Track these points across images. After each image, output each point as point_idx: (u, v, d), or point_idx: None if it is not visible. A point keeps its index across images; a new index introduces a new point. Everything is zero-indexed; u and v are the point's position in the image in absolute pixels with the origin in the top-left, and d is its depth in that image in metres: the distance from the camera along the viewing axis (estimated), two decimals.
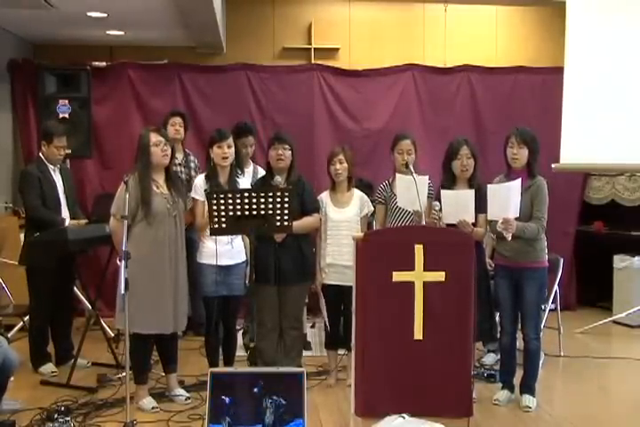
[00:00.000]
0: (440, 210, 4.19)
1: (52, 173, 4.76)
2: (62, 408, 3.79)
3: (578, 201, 6.99)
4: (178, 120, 5.57)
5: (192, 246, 4.41)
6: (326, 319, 4.57)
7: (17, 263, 4.84)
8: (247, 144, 5.16)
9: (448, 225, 4.25)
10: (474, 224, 4.18)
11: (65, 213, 4.76)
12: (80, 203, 5.37)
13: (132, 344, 3.78)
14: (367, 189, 5.05)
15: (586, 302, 6.96)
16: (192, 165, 5.64)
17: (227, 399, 3.25)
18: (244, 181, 4.40)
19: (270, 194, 3.62)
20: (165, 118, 5.55)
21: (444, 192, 4.22)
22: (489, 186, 4.10)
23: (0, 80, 6.32)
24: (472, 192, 4.14)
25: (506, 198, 3.96)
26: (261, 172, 5.15)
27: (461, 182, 4.40)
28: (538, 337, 4.18)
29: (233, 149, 4.27)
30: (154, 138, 4.06)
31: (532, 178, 4.17)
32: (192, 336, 5.48)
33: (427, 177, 4.32)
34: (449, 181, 4.41)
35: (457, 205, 4.12)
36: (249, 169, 5.13)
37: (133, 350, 3.83)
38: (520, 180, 4.00)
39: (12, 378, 3.86)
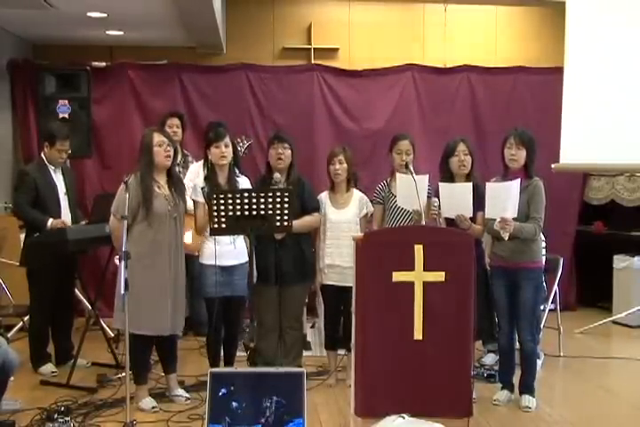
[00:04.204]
0: (439, 206, 4.20)
1: (53, 173, 4.76)
2: (62, 408, 3.78)
3: (578, 201, 7.00)
4: (175, 122, 5.57)
5: None
6: (322, 321, 4.57)
7: (17, 264, 4.84)
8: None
9: (447, 219, 4.26)
10: (472, 220, 4.19)
11: (66, 214, 4.75)
12: (80, 203, 5.37)
13: (132, 345, 3.78)
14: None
15: (586, 302, 6.96)
16: (190, 165, 5.63)
17: (227, 399, 3.26)
18: (244, 181, 4.39)
19: (270, 194, 3.62)
20: (163, 119, 5.55)
21: (442, 184, 4.24)
22: (488, 184, 4.11)
23: (0, 80, 6.32)
24: (470, 185, 4.14)
25: (504, 198, 3.95)
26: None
27: (459, 180, 4.47)
28: (533, 338, 4.17)
29: (230, 148, 4.26)
30: (157, 138, 4.05)
31: (529, 179, 4.17)
32: (192, 336, 5.48)
33: (427, 176, 4.31)
34: (446, 178, 4.44)
35: (455, 198, 4.13)
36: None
37: (133, 351, 3.83)
38: (519, 180, 4.00)
39: (12, 378, 3.85)
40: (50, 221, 4.59)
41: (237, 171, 4.39)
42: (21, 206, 4.69)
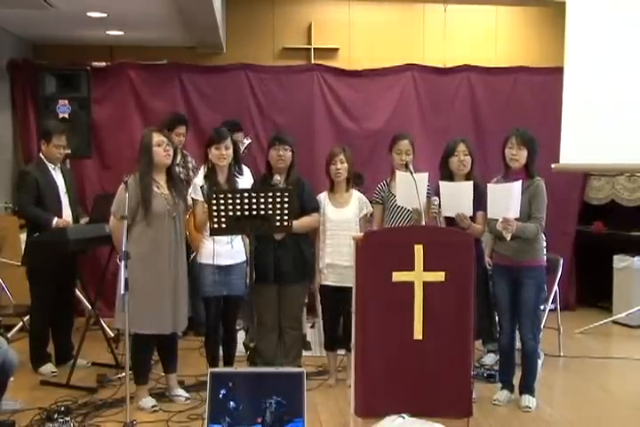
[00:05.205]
0: (439, 205, 4.20)
1: (53, 172, 4.76)
2: (62, 408, 3.78)
3: (578, 201, 7.00)
4: (182, 130, 5.56)
5: (191, 248, 4.42)
6: (322, 321, 4.57)
7: (19, 264, 4.85)
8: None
9: (446, 218, 4.27)
10: (472, 219, 4.20)
11: (67, 212, 4.75)
12: (80, 202, 5.37)
13: (132, 345, 3.78)
14: (357, 178, 5.03)
15: (586, 302, 6.96)
16: (190, 165, 5.64)
17: (226, 400, 3.26)
18: (243, 181, 4.39)
19: (270, 194, 3.63)
20: (170, 124, 5.45)
21: (442, 183, 4.25)
22: (489, 185, 4.12)
23: (0, 80, 6.31)
24: (470, 184, 4.16)
25: (506, 198, 3.96)
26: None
27: (459, 180, 4.46)
28: (535, 337, 4.17)
29: (231, 149, 4.26)
30: (156, 138, 4.06)
31: (531, 179, 4.17)
32: (192, 336, 5.48)
33: (426, 174, 4.31)
34: (446, 178, 4.43)
35: (455, 196, 4.14)
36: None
37: (134, 351, 3.83)
38: (521, 181, 4.00)
39: (12, 378, 3.86)
40: (55, 220, 4.59)
41: (238, 170, 4.39)
42: (25, 206, 4.69)
